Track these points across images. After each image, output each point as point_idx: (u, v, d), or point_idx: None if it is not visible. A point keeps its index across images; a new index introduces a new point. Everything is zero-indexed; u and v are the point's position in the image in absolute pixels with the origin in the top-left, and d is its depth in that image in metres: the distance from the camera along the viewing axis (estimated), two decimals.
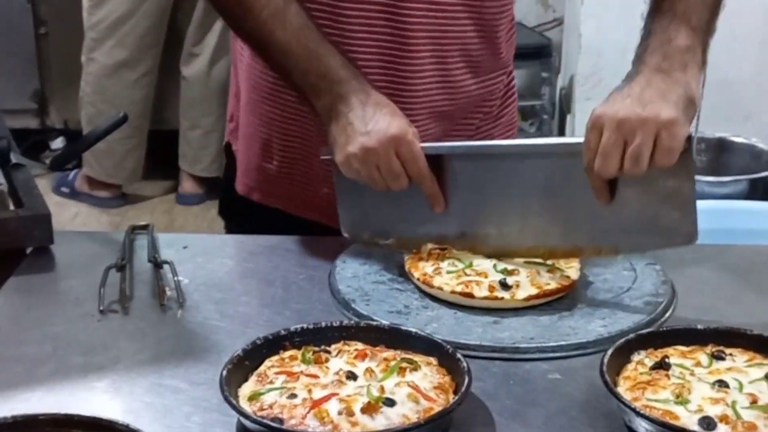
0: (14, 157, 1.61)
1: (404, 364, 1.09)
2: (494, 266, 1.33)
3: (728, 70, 2.92)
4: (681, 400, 1.04)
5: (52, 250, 1.47)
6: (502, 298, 1.27)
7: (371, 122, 1.31)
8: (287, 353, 1.13)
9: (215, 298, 1.35)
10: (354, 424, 1.00)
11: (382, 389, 1.04)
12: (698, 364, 1.11)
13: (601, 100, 1.27)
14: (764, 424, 1.00)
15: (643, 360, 1.12)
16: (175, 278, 1.35)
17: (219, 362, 1.12)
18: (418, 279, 1.32)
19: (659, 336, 1.15)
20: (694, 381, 1.07)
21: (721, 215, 2.12)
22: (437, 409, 1.02)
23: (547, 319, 1.26)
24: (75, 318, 1.29)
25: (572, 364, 1.18)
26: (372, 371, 1.08)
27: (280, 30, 1.34)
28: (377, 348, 1.13)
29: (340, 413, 1.01)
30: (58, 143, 4.37)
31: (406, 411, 1.02)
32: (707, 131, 2.77)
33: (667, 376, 1.08)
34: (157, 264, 1.39)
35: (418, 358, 1.11)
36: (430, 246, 1.38)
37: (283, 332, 1.15)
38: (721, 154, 2.79)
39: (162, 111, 4.09)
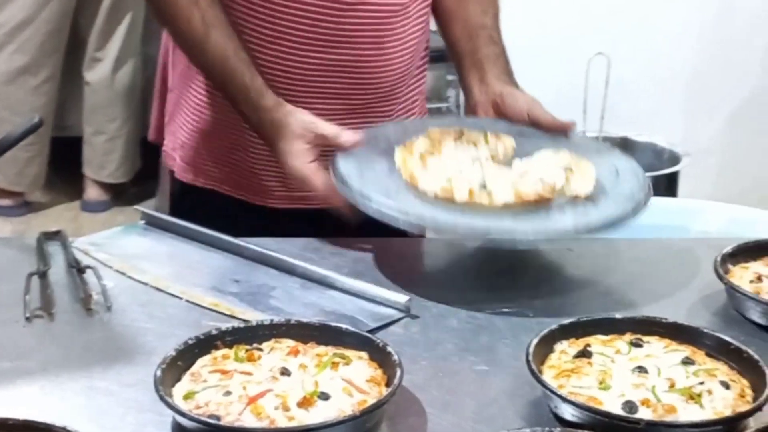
0: None
1: (336, 359, 1.11)
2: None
3: (628, 71, 3.02)
4: (604, 386, 1.08)
5: None
6: (481, 204, 1.33)
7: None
8: (219, 352, 1.14)
9: (141, 300, 1.35)
10: (291, 418, 1.01)
11: (316, 384, 1.06)
12: (618, 351, 1.15)
13: None
14: (683, 406, 1.05)
15: (565, 349, 1.16)
16: (101, 282, 1.35)
17: (149, 363, 1.13)
18: (406, 180, 1.38)
19: (580, 326, 1.19)
20: (615, 368, 1.11)
21: None
22: (371, 401, 1.04)
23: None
24: None
25: (498, 356, 1.22)
26: (305, 366, 1.10)
27: (201, 57, 1.51)
28: (308, 344, 1.15)
29: (276, 408, 1.02)
30: None
31: (341, 404, 1.04)
32: (611, 131, 2.86)
33: (590, 363, 1.12)
34: (80, 269, 1.38)
35: (349, 352, 1.13)
36: (422, 149, 1.44)
37: (214, 332, 1.16)
38: (625, 153, 2.87)
39: (64, 117, 4.03)
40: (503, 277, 1.44)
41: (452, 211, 1.33)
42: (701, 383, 1.08)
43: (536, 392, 1.11)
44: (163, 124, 1.76)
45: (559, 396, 1.06)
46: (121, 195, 4.06)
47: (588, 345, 1.15)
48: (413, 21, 1.60)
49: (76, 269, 1.39)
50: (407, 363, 1.10)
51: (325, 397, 1.04)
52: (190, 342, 1.13)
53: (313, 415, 1.02)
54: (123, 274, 1.41)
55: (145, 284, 1.39)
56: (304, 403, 1.03)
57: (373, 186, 1.37)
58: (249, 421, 1.01)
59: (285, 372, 1.09)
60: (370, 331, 1.20)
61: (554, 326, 1.18)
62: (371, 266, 1.42)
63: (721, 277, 1.33)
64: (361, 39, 1.54)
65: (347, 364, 1.11)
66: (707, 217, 2.16)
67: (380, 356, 1.12)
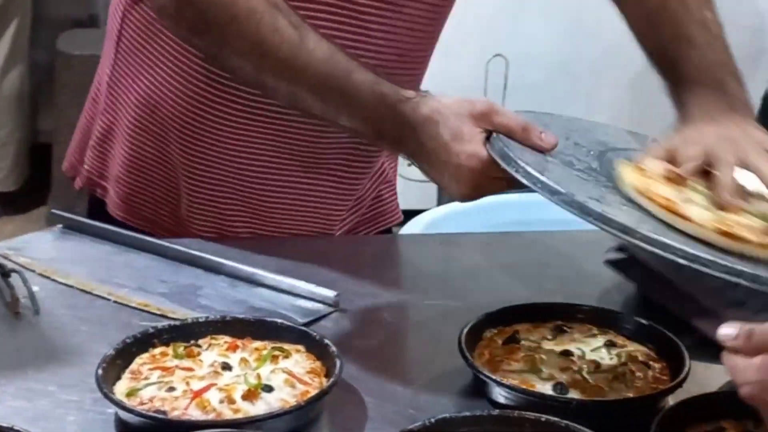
0: None
1: (276, 353, 1.13)
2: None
3: (526, 72, 3.11)
4: (534, 369, 1.13)
5: None
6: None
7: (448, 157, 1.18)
8: (157, 350, 1.15)
9: (68, 303, 1.34)
10: (236, 410, 1.04)
11: (258, 377, 1.08)
12: (544, 337, 1.21)
13: None
14: (609, 386, 1.11)
15: (494, 337, 1.21)
16: (27, 286, 1.34)
17: (85, 364, 1.14)
18: (659, 204, 1.08)
19: (506, 314, 1.24)
20: (542, 352, 1.17)
21: (527, 206, 2.25)
22: (313, 392, 1.07)
23: None
24: None
25: (429, 346, 1.26)
26: (246, 361, 1.12)
27: (298, 70, 1.23)
28: (245, 340, 1.17)
29: (221, 402, 1.04)
30: None
31: (284, 395, 1.06)
32: None
33: (519, 349, 1.17)
34: (4, 273, 1.37)
35: (287, 346, 1.15)
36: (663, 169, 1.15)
37: (151, 330, 1.17)
38: None
39: None
40: (428, 270, 1.48)
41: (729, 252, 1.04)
42: (624, 364, 1.14)
43: (468, 378, 1.16)
44: (83, 151, 1.60)
45: (493, 380, 1.10)
46: (10, 203, 3.98)
47: (516, 332, 1.20)
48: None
49: (1, 273, 1.37)
50: (342, 355, 1.13)
51: (268, 389, 1.07)
52: (128, 341, 1.14)
53: (258, 407, 1.04)
54: (47, 277, 1.40)
55: (71, 287, 1.38)
56: (249, 395, 1.05)
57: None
58: (195, 415, 1.03)
59: (226, 367, 1.11)
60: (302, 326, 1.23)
61: (482, 315, 1.22)
62: (298, 263, 1.44)
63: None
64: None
65: (286, 357, 1.13)
66: None
67: (317, 349, 1.15)
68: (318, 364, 1.13)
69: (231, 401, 1.04)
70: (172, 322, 1.20)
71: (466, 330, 1.18)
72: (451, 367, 1.18)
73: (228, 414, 1.03)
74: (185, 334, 1.18)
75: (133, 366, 1.12)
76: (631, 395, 1.10)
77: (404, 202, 2.19)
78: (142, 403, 1.05)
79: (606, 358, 1.16)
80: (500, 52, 2.77)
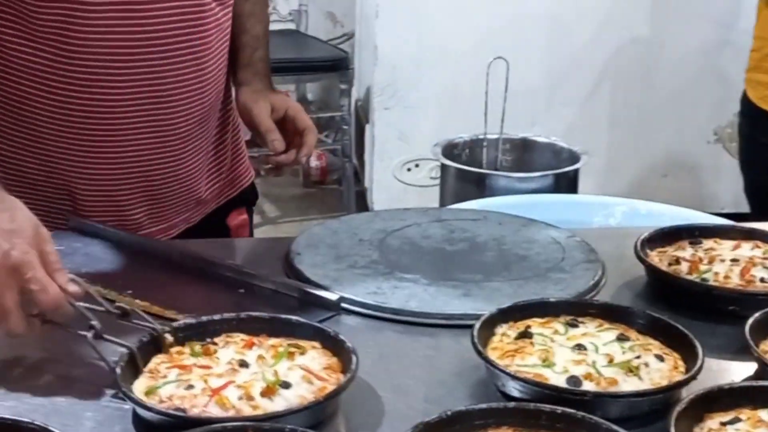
0: None
1: (292, 349, 1.14)
2: None
3: (526, 75, 3.14)
4: (547, 363, 1.14)
5: None
6: None
7: None
8: (173, 349, 1.16)
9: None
10: (255, 407, 1.04)
11: (276, 373, 1.09)
12: (556, 332, 1.21)
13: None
14: (623, 378, 1.11)
15: (506, 332, 1.21)
16: None
17: (101, 362, 1.14)
18: None
19: (517, 309, 1.25)
20: (555, 346, 1.17)
21: (532, 207, 2.26)
22: (331, 387, 1.08)
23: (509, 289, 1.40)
24: None
25: (441, 342, 1.27)
26: (263, 358, 1.13)
27: None
28: (261, 337, 1.18)
29: (240, 398, 1.05)
30: None
31: (302, 392, 1.07)
32: (510, 132, 2.96)
33: (532, 344, 1.18)
34: None
35: (302, 343, 1.16)
36: None
37: (167, 329, 1.17)
38: (525, 153, 2.97)
39: None
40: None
41: None
42: (638, 357, 1.15)
43: (481, 373, 1.16)
44: None
45: (508, 374, 1.11)
46: None
47: (528, 327, 1.21)
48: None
49: None
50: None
51: (286, 385, 1.07)
52: (144, 339, 1.15)
53: (277, 404, 1.05)
54: None
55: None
56: (267, 392, 1.06)
57: None
58: (215, 412, 1.04)
59: (243, 364, 1.11)
60: None
61: (494, 311, 1.23)
62: None
63: (642, 260, 1.40)
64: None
65: (303, 353, 1.14)
66: (607, 211, 2.26)
67: (333, 345, 1.15)
68: (334, 360, 1.14)
69: (250, 398, 1.05)
70: (187, 321, 1.20)
71: (478, 325, 1.19)
72: (464, 362, 1.19)
73: (247, 411, 1.04)
74: (199, 332, 1.18)
75: (151, 365, 1.13)
76: (646, 387, 1.11)
77: (406, 205, 2.21)
78: (161, 401, 1.06)
79: (619, 351, 1.17)
80: (501, 54, 2.79)
